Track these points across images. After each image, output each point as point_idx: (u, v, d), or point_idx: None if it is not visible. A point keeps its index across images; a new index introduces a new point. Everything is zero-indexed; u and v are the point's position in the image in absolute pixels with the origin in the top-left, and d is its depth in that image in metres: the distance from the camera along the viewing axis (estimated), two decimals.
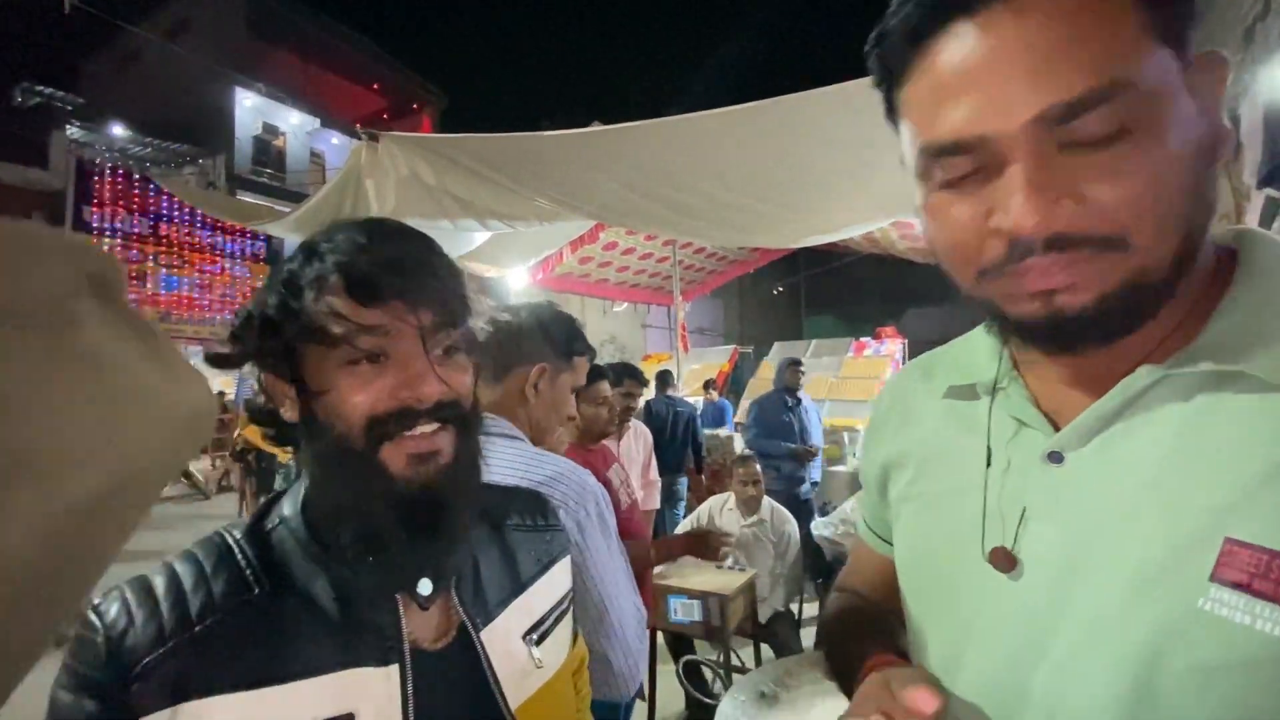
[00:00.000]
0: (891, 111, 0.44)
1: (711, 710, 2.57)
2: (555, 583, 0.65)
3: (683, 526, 2.98)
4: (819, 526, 2.69)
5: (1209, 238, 0.40)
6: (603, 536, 0.98)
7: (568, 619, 0.66)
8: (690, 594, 2.28)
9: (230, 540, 0.53)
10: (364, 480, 0.49)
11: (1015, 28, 0.35)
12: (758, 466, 2.91)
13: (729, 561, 2.76)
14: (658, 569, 2.17)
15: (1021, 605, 0.43)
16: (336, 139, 17.83)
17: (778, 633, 2.58)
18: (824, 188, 3.58)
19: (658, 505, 2.67)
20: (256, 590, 0.50)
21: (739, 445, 5.60)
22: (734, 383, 8.34)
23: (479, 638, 0.55)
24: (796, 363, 4.44)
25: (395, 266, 0.49)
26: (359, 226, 0.52)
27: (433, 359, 0.50)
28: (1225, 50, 0.40)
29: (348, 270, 0.48)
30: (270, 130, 16.44)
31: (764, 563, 2.73)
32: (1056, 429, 0.44)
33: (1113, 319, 0.38)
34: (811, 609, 3.24)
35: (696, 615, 2.27)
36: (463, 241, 4.97)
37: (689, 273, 7.86)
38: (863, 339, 8.05)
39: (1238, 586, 0.34)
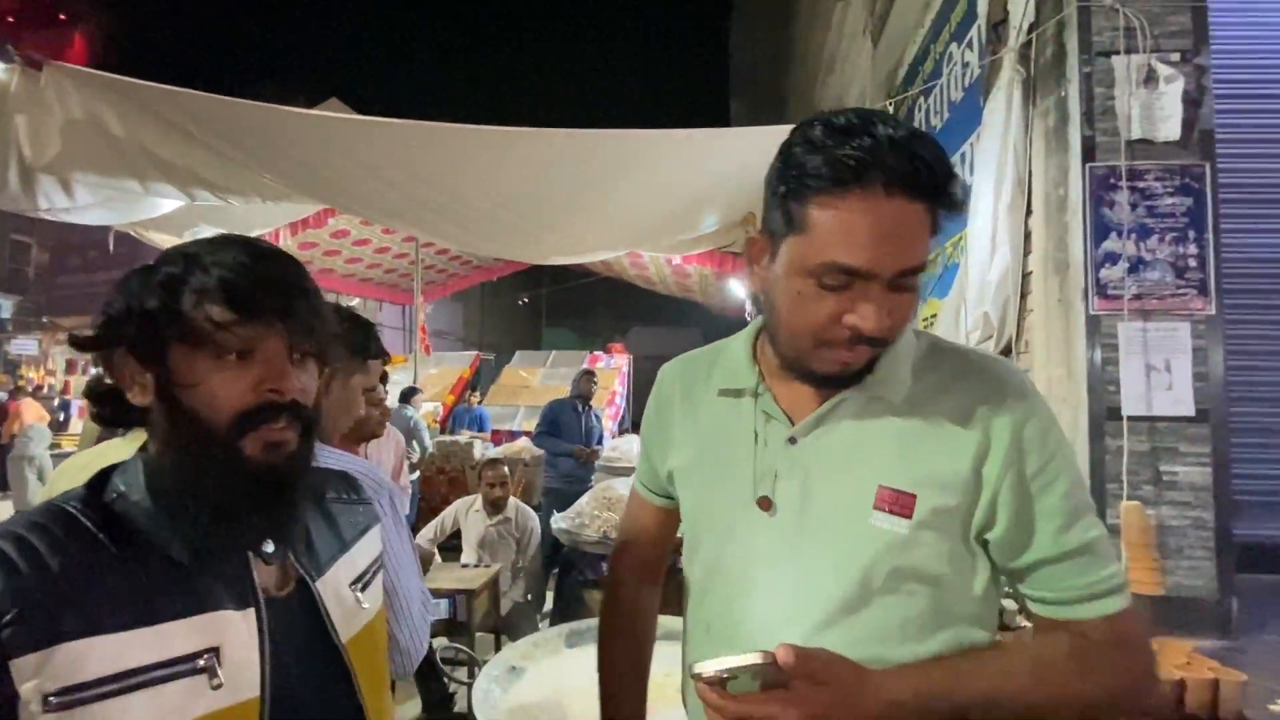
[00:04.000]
0: (790, 218, 0.61)
1: (450, 701, 2.64)
2: (371, 544, 0.77)
3: (428, 530, 2.98)
4: (558, 520, 2.95)
5: None
6: (395, 525, 1.05)
7: (381, 574, 0.78)
8: (436, 594, 2.33)
9: (72, 509, 0.55)
10: (221, 463, 0.56)
11: (893, 214, 0.56)
12: (505, 469, 3.07)
13: (472, 560, 2.87)
14: None
15: (777, 533, 0.68)
16: None
17: (518, 624, 2.76)
18: (573, 214, 3.92)
19: (407, 511, 2.64)
20: (114, 550, 0.54)
21: (479, 450, 5.67)
22: (472, 388, 8.28)
23: (315, 587, 0.65)
24: (590, 373, 4.87)
25: (272, 286, 0.58)
26: (242, 245, 0.60)
27: (292, 362, 0.60)
28: None
29: (231, 285, 0.56)
30: None
31: (506, 558, 2.89)
32: (792, 423, 0.69)
33: (859, 377, 0.65)
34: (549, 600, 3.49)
35: (443, 613, 2.33)
36: (146, 206, 4.09)
37: (430, 273, 7.58)
38: (596, 352, 8.78)
39: (883, 510, 0.63)
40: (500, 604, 2.70)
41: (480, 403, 7.26)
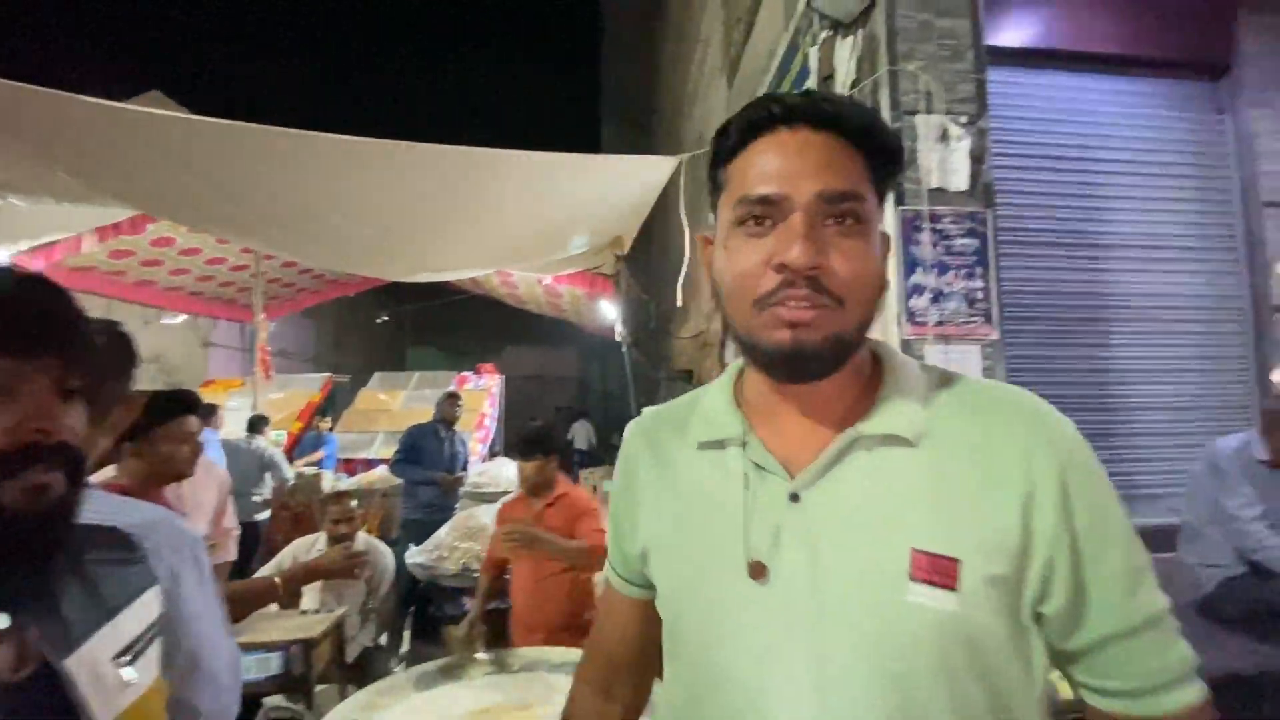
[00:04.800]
0: (714, 179, 0.61)
1: None
2: (145, 609, 0.68)
3: (263, 572, 2.66)
4: (414, 554, 2.78)
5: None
6: (198, 584, 0.93)
7: (159, 640, 0.69)
8: (268, 647, 2.09)
9: None
10: None
11: (797, 141, 0.55)
12: (353, 504, 2.85)
13: (314, 605, 2.62)
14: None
15: (786, 616, 0.54)
16: None
17: (368, 670, 2.55)
18: (436, 231, 3.78)
19: (233, 557, 2.34)
20: None
21: (327, 483, 5.22)
22: (323, 414, 7.60)
23: (63, 665, 0.56)
24: (454, 395, 4.60)
25: (33, 315, 0.52)
26: None
27: (55, 401, 0.53)
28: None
29: None
30: None
31: (354, 600, 2.67)
32: (791, 475, 0.57)
33: (826, 359, 0.54)
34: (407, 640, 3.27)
35: (275, 669, 2.09)
36: None
37: (274, 286, 6.86)
38: (465, 373, 8.46)
39: (923, 581, 0.51)
40: (346, 651, 2.49)
41: (331, 429, 6.69)
